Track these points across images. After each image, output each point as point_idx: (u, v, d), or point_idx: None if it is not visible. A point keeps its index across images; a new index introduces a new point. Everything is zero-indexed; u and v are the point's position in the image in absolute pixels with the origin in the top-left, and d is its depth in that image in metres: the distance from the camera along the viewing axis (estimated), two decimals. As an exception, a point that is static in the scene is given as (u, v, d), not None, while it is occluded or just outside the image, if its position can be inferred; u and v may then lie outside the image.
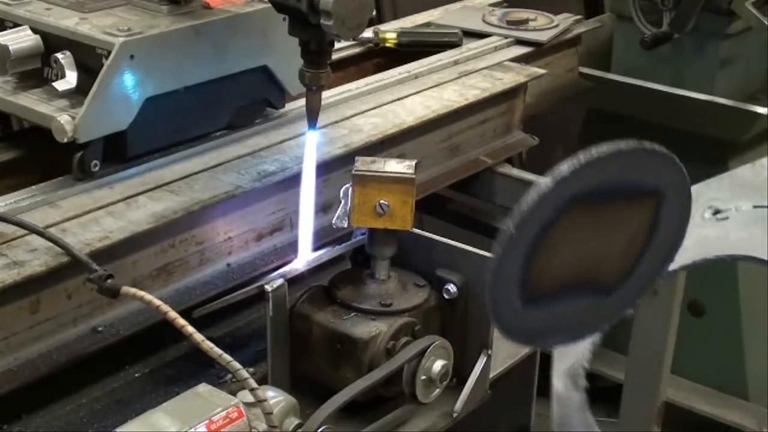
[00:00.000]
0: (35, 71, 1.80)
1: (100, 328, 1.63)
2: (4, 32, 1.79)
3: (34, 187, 1.73)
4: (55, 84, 1.75)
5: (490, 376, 1.81)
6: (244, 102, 1.99)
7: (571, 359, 1.44)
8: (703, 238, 1.37)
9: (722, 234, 1.33)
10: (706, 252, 1.35)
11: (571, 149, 1.99)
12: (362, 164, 1.71)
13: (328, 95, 2.10)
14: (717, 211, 1.38)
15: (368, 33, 2.55)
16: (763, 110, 2.96)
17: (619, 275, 1.29)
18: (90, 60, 1.74)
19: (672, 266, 1.32)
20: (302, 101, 1.86)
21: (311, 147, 1.81)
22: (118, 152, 1.80)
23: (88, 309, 1.61)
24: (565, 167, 1.19)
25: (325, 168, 1.90)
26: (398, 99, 2.24)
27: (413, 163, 1.72)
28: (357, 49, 2.56)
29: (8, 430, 1.60)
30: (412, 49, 2.56)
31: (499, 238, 1.24)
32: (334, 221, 1.73)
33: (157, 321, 1.60)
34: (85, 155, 1.73)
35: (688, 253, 1.36)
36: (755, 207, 1.37)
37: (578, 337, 1.36)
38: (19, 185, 1.76)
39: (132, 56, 1.73)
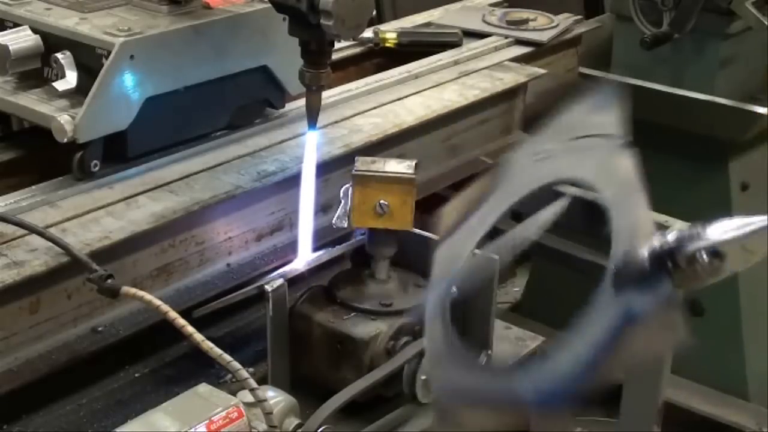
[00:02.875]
0: (35, 71, 1.80)
1: (100, 328, 1.63)
2: (4, 32, 1.79)
3: (34, 187, 1.73)
4: (55, 84, 1.75)
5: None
6: (244, 102, 1.99)
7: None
8: (530, 176, 1.48)
9: (550, 169, 1.44)
10: (537, 184, 1.46)
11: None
12: (362, 164, 1.71)
13: (328, 95, 2.10)
14: (542, 156, 1.48)
15: (368, 33, 2.55)
16: (763, 110, 2.96)
17: None
18: (90, 60, 1.74)
19: (509, 203, 1.40)
20: (302, 101, 1.86)
21: (311, 147, 1.81)
22: (118, 152, 1.80)
23: (88, 309, 1.61)
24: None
25: (325, 168, 1.90)
26: (398, 99, 2.24)
27: (413, 163, 1.72)
28: (357, 49, 2.56)
29: (8, 430, 1.60)
30: (412, 49, 2.56)
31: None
32: (334, 221, 1.73)
33: (157, 321, 1.60)
34: (85, 155, 1.73)
35: (523, 189, 1.47)
36: (567, 143, 1.47)
37: None
38: (19, 185, 1.76)
39: (132, 56, 1.73)
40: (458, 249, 1.46)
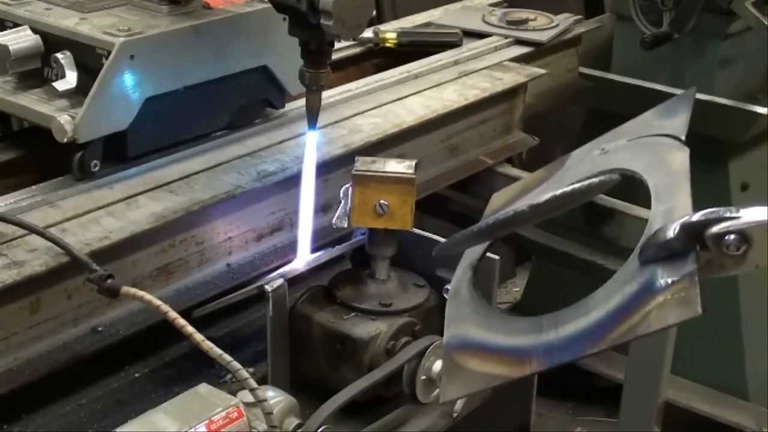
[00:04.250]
0: (35, 71, 1.80)
1: (100, 328, 1.63)
2: (4, 32, 1.79)
3: (34, 187, 1.73)
4: (55, 84, 1.75)
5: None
6: (244, 102, 1.99)
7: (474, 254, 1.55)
8: (585, 166, 1.54)
9: (605, 161, 1.50)
10: (589, 173, 1.52)
11: (571, 149, 2.01)
12: (362, 164, 1.71)
13: (328, 95, 2.10)
14: (604, 150, 1.55)
15: (368, 33, 2.55)
16: (763, 110, 2.96)
17: None
18: (90, 60, 1.74)
19: (566, 187, 1.43)
20: (302, 101, 1.86)
21: (311, 147, 1.81)
22: (118, 152, 1.80)
23: (88, 309, 1.61)
24: None
25: (325, 168, 1.90)
26: (398, 99, 2.24)
27: (413, 163, 1.72)
28: (357, 49, 2.56)
29: (8, 430, 1.60)
30: (412, 49, 2.56)
31: None
32: (334, 221, 1.73)
33: (157, 321, 1.60)
34: (85, 155, 1.73)
35: (575, 177, 1.55)
36: (629, 140, 1.52)
37: None
38: (19, 185, 1.76)
39: (132, 56, 1.73)
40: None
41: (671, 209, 1.34)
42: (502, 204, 1.68)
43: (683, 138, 1.56)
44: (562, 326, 1.25)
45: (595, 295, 1.26)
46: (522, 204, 1.47)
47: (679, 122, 1.61)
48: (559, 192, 1.43)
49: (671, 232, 1.20)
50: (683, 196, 1.38)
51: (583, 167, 1.60)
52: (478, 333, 1.39)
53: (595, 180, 1.49)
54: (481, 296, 1.48)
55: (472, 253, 1.57)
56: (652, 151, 1.55)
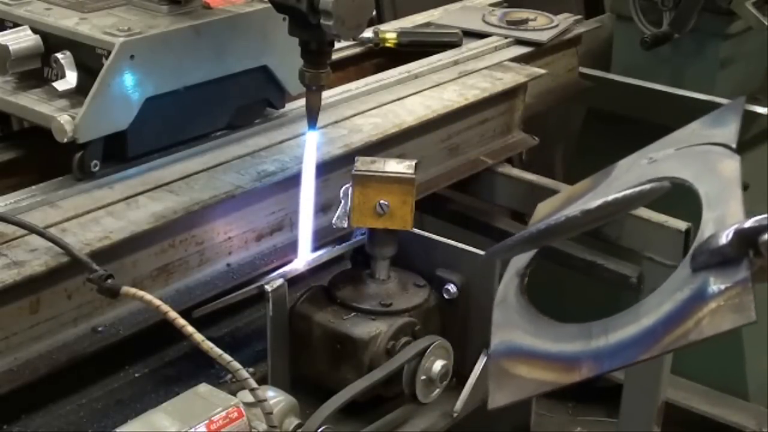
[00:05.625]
0: (35, 71, 1.80)
1: (100, 328, 1.63)
2: (4, 32, 1.79)
3: (34, 187, 1.73)
4: (55, 84, 1.75)
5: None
6: (244, 102, 1.99)
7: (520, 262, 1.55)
8: (633, 174, 1.55)
9: (653, 170, 1.50)
10: (637, 181, 1.52)
11: (571, 149, 2.00)
12: (362, 164, 1.71)
13: (328, 95, 2.10)
14: (652, 159, 1.55)
15: (368, 33, 2.55)
16: (763, 110, 2.96)
17: None
18: (90, 60, 1.74)
19: (618, 194, 1.43)
20: (302, 101, 1.86)
21: (311, 147, 1.81)
22: (118, 152, 1.80)
23: (88, 309, 1.61)
24: None
25: (325, 168, 1.90)
26: (398, 99, 2.24)
27: (413, 163, 1.72)
28: (357, 49, 2.56)
29: (8, 430, 1.60)
30: (412, 49, 2.56)
31: None
32: (334, 221, 1.73)
33: (157, 321, 1.60)
34: (85, 155, 1.73)
35: (623, 185, 1.54)
36: (676, 150, 1.58)
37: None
38: (19, 185, 1.76)
39: (132, 56, 1.73)
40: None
41: (723, 216, 1.34)
42: (547, 212, 1.67)
43: (734, 146, 1.56)
44: (613, 332, 1.25)
45: (646, 301, 1.25)
46: (572, 210, 1.46)
47: (729, 131, 1.62)
48: (611, 198, 1.42)
49: (724, 238, 1.19)
50: (735, 204, 1.37)
51: (630, 176, 1.58)
52: (526, 339, 1.37)
53: (647, 187, 1.48)
54: (529, 303, 1.47)
55: (519, 261, 1.57)
56: (702, 160, 1.54)
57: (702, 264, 1.21)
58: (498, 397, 1.34)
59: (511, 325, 1.42)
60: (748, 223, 1.19)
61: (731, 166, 1.49)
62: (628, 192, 1.45)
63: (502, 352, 1.37)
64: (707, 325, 1.16)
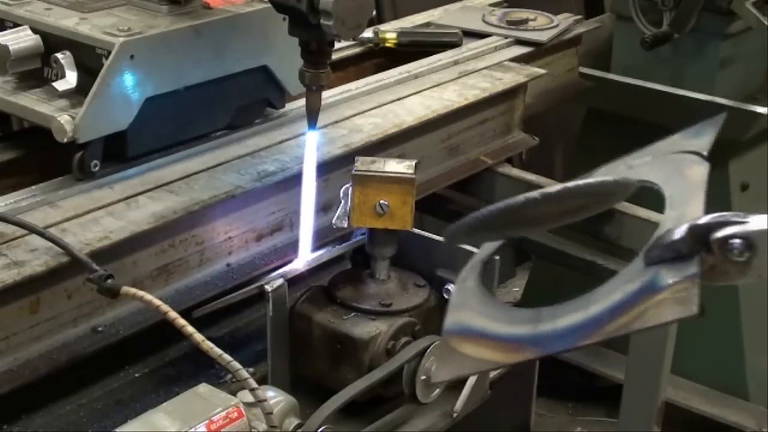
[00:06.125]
0: (35, 71, 1.80)
1: (100, 328, 1.63)
2: (4, 32, 1.79)
3: (34, 187, 1.73)
4: (55, 84, 1.75)
5: (490, 376, 1.81)
6: (244, 102, 1.99)
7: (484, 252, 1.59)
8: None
9: (627, 174, 1.58)
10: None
11: (571, 149, 2.01)
12: (362, 164, 1.71)
13: (328, 95, 2.10)
14: (629, 166, 1.59)
15: (368, 33, 2.55)
16: (763, 110, 2.96)
17: None
18: (90, 60, 1.74)
19: (579, 181, 1.46)
20: (302, 101, 1.86)
21: (311, 147, 1.81)
22: (118, 152, 1.80)
23: (88, 309, 1.61)
24: None
25: (325, 168, 1.90)
26: (398, 99, 2.24)
27: (413, 163, 1.73)
28: (357, 49, 2.56)
29: (8, 430, 1.60)
30: (412, 49, 2.56)
31: None
32: (334, 221, 1.73)
33: (157, 321, 1.60)
34: (85, 155, 1.73)
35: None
36: (654, 158, 1.61)
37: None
38: (19, 185, 1.76)
39: (132, 56, 1.73)
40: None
41: (682, 215, 1.36)
42: None
43: (705, 154, 1.60)
44: (561, 318, 1.27)
45: (597, 291, 1.28)
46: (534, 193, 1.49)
47: (704, 141, 1.65)
48: (572, 183, 1.44)
49: (678, 234, 1.21)
50: (696, 204, 1.40)
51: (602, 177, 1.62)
52: (479, 321, 1.41)
53: (610, 179, 1.50)
54: (488, 290, 1.50)
55: (487, 248, 1.59)
56: (674, 166, 1.58)
57: (656, 258, 1.23)
58: (441, 372, 1.41)
59: (467, 307, 1.45)
60: (702, 220, 1.20)
61: (700, 171, 1.53)
62: (591, 180, 1.47)
63: (453, 331, 1.40)
64: (651, 316, 1.18)
